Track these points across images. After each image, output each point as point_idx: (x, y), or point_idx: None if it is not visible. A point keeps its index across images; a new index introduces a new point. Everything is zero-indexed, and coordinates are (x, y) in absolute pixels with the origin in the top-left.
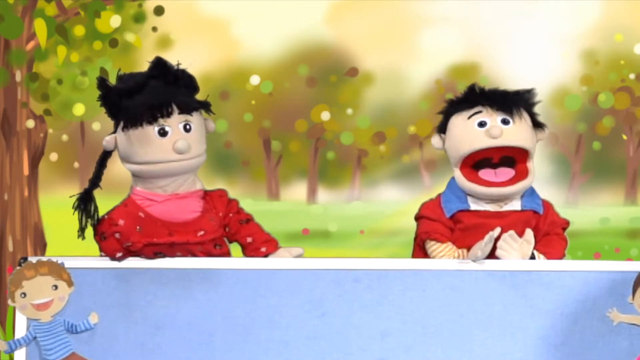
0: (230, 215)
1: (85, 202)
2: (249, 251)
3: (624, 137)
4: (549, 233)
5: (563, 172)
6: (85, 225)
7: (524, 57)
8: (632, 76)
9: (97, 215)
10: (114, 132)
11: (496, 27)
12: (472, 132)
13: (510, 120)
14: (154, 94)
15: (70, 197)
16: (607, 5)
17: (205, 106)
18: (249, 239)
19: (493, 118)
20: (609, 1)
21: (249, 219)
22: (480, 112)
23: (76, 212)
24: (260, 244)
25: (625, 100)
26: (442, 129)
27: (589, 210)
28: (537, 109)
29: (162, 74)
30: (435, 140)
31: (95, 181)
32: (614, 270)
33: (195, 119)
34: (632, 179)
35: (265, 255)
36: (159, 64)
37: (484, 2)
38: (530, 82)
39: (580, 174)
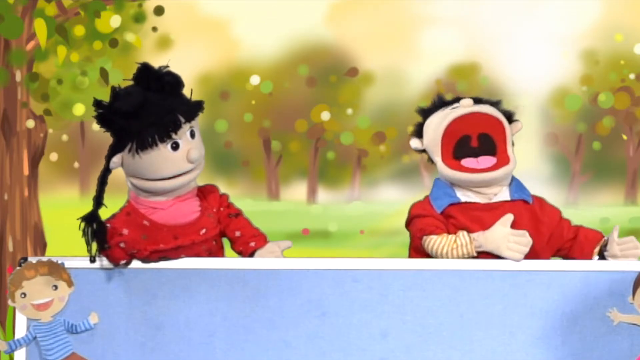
0: (221, 209)
1: (92, 224)
2: (237, 245)
3: (624, 137)
4: (564, 232)
5: (563, 172)
6: (98, 249)
7: (524, 57)
8: (632, 76)
9: (106, 236)
10: (115, 147)
11: (496, 27)
12: (446, 113)
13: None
14: (159, 111)
15: (77, 219)
16: (607, 5)
17: (202, 107)
18: (238, 233)
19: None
20: (609, 1)
21: (238, 214)
22: (454, 108)
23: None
24: (249, 238)
25: (625, 100)
26: (418, 133)
27: (589, 210)
28: (537, 109)
29: (148, 81)
30: (415, 142)
31: (99, 201)
32: (614, 270)
33: (195, 122)
34: (632, 179)
35: (254, 250)
36: (144, 71)
37: (484, 2)
38: (530, 82)
39: (580, 174)
